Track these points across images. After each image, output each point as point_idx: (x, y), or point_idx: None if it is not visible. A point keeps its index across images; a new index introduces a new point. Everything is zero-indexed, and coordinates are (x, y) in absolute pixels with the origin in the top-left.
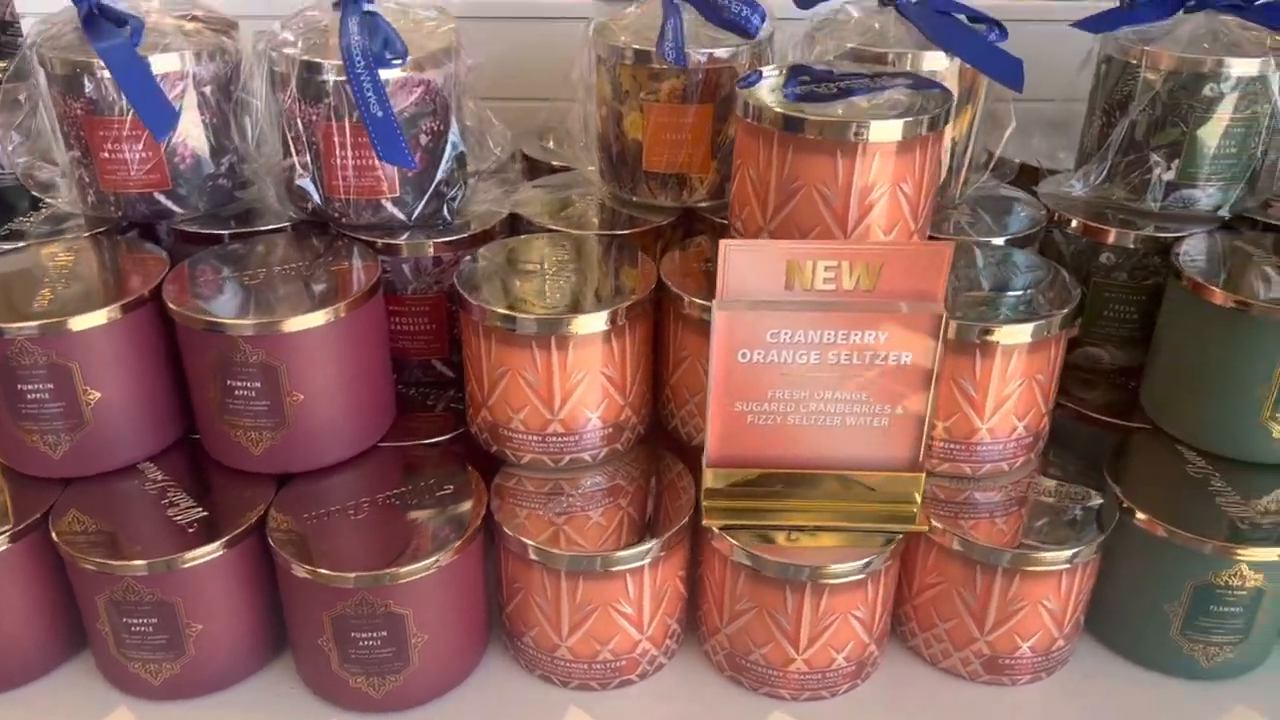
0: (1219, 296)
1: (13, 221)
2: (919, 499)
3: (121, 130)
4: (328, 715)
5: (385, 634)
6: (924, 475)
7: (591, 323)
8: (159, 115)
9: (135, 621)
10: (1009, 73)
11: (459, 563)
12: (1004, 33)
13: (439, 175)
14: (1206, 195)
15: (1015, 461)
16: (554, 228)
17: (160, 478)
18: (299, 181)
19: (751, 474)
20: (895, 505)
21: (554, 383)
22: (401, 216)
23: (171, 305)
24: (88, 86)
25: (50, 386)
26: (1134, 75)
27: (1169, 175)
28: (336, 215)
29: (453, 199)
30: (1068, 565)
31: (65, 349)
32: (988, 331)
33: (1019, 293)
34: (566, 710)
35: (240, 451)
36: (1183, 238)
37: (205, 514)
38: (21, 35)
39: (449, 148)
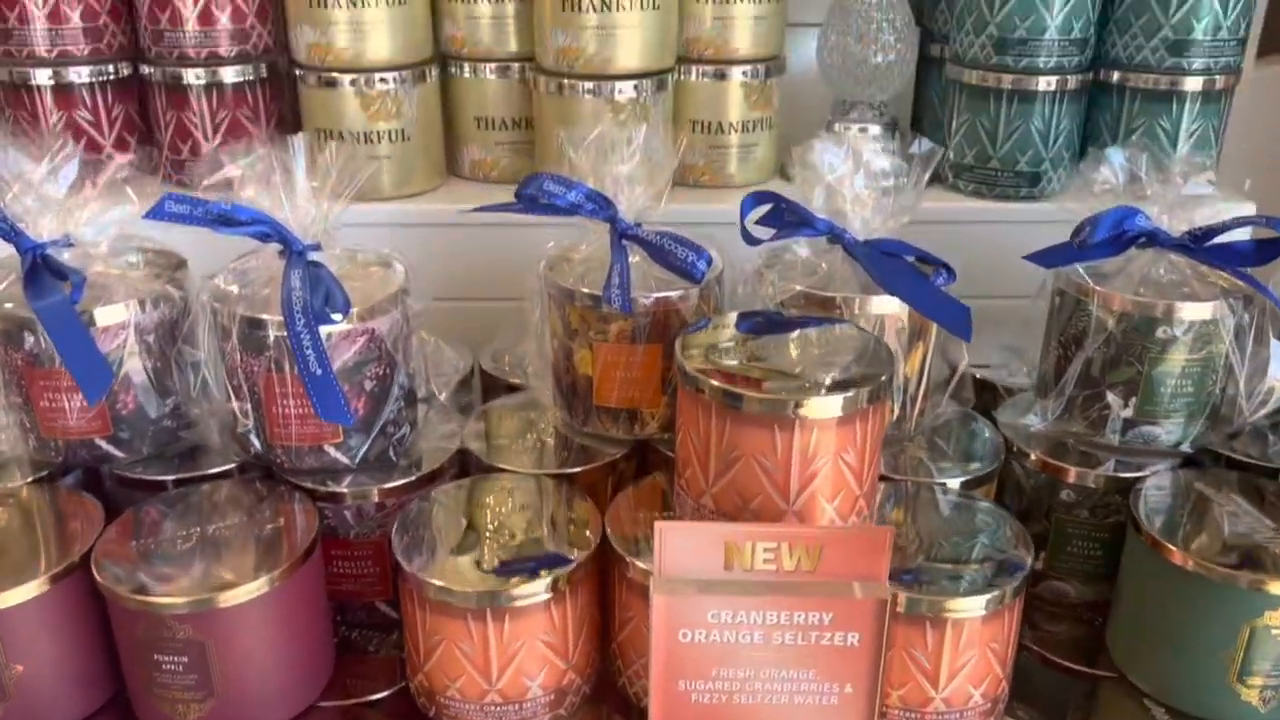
0: (1178, 557)
1: None
2: None
3: (61, 382)
4: None
5: None
6: None
7: (531, 590)
8: (94, 378)
9: None
10: (957, 322)
11: None
12: (952, 275)
13: (384, 417)
14: (1167, 432)
15: None
16: (503, 467)
17: None
18: (241, 429)
19: None
20: None
21: (490, 653)
22: (346, 461)
23: (99, 579)
24: (28, 341)
25: None
26: (1087, 312)
27: (1127, 412)
28: (279, 461)
29: (400, 439)
30: None
31: None
32: (939, 606)
33: (975, 550)
34: None
35: None
36: (1144, 478)
37: None
38: None
39: (395, 389)
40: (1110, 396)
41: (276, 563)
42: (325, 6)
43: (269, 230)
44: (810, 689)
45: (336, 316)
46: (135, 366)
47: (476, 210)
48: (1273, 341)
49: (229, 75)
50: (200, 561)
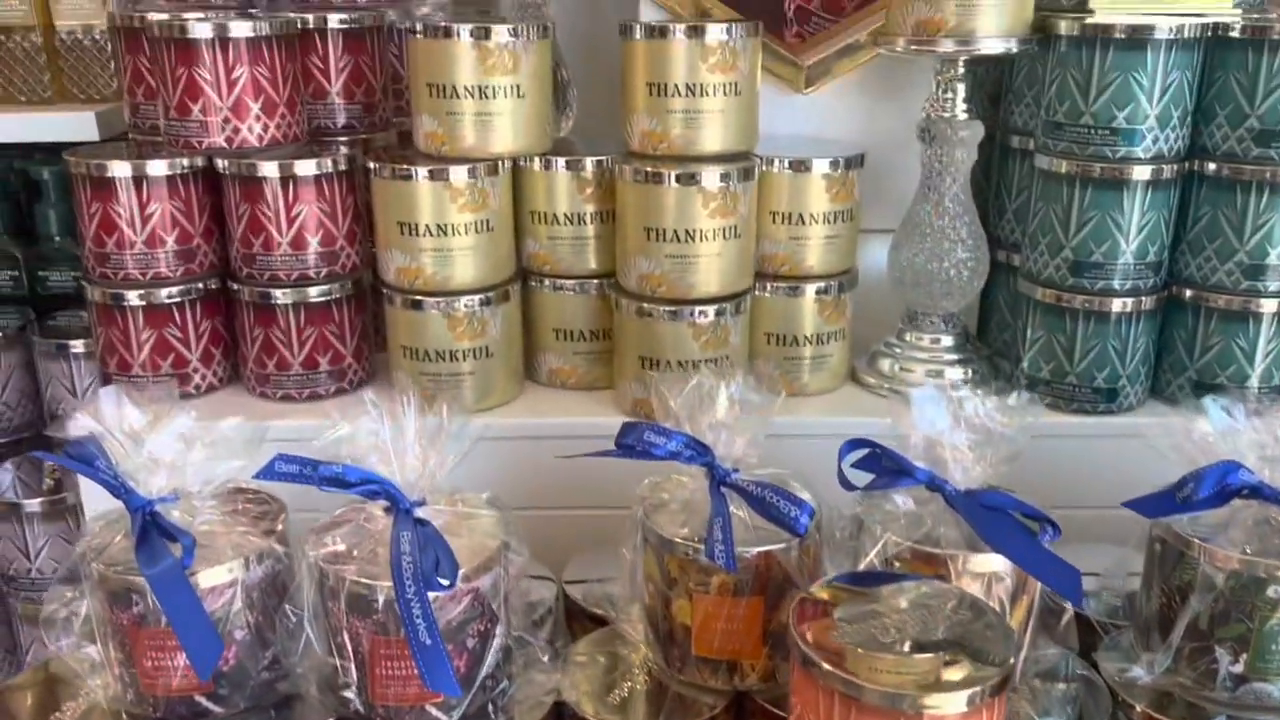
0: None
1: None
2: None
3: (167, 642)
4: None
5: None
6: None
7: None
8: (205, 650)
9: None
10: (1067, 585)
11: None
12: (1058, 531)
13: (484, 671)
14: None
15: None
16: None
17: None
18: (343, 691)
19: None
20: None
21: None
22: (446, 719)
23: None
24: (136, 603)
25: None
26: (1192, 565)
27: (1237, 668)
28: (379, 719)
29: (499, 693)
30: None
31: None
32: None
33: None
34: None
35: None
36: None
37: None
38: None
39: (495, 643)
40: (1219, 651)
41: None
42: (415, 235)
43: (378, 489)
44: None
45: (445, 582)
46: (239, 623)
47: (575, 456)
48: None
49: (316, 293)
50: None
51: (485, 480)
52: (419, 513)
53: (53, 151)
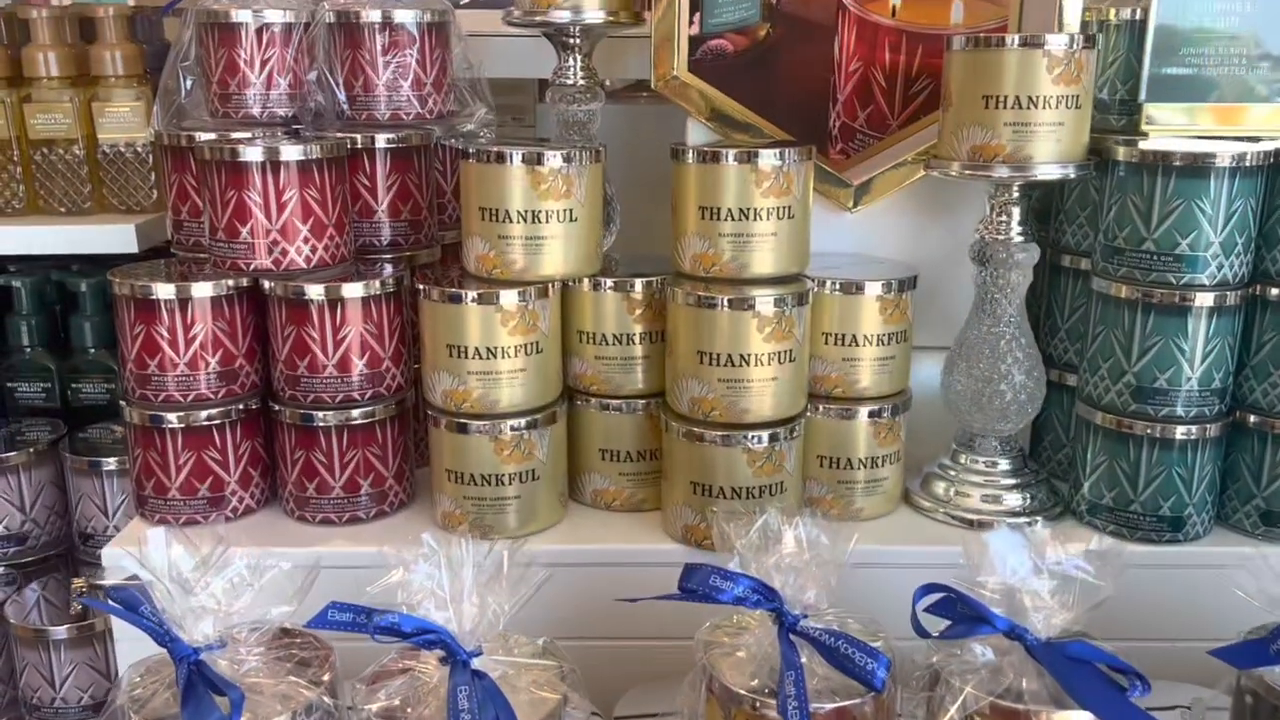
0: None
1: None
2: None
3: None
4: None
5: None
6: None
7: None
8: None
9: None
10: None
11: None
12: (1147, 687)
13: None
14: None
15: None
16: None
17: None
18: None
19: None
20: None
21: None
22: None
23: None
24: None
25: None
26: None
27: None
28: None
29: None
30: None
31: None
32: None
33: None
34: None
35: None
36: None
37: None
38: None
39: None
40: None
41: None
42: (464, 357)
43: (434, 639)
44: None
45: None
46: None
47: (637, 600)
48: None
49: (360, 415)
50: None
51: (528, 608)
52: (475, 663)
53: (90, 262)
